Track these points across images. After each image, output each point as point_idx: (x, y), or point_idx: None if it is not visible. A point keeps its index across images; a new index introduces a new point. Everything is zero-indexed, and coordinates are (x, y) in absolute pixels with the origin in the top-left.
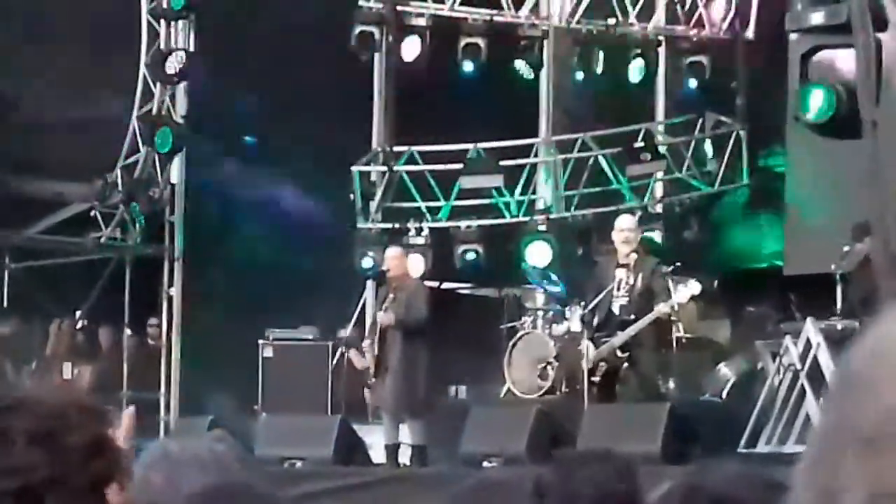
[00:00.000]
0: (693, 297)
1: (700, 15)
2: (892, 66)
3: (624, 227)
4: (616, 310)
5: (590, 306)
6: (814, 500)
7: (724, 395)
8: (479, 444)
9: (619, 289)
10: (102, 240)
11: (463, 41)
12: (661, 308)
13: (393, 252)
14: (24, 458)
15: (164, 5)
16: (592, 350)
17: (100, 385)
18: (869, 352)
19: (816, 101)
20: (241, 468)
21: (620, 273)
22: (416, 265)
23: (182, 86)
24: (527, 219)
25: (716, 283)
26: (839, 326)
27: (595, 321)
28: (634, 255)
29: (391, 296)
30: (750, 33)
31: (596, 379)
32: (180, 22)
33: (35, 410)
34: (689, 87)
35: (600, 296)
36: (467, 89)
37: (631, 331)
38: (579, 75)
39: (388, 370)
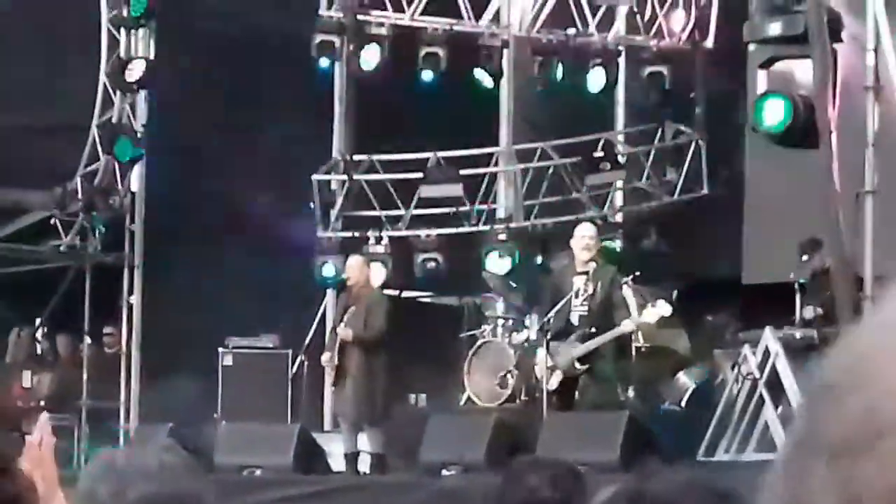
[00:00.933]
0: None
1: (660, 25)
2: (849, 77)
3: (584, 235)
4: (574, 319)
5: (548, 315)
6: None
7: (683, 403)
8: (438, 452)
9: (577, 297)
10: (62, 248)
11: (423, 50)
12: (625, 326)
13: (354, 261)
14: None
15: (125, 14)
16: (550, 360)
17: (59, 393)
18: (839, 362)
19: (772, 111)
20: (190, 478)
21: (579, 281)
22: (377, 274)
23: (142, 94)
24: (487, 228)
25: (675, 292)
26: (797, 335)
27: (554, 330)
28: (593, 264)
29: (352, 306)
30: (709, 43)
31: (554, 388)
32: (140, 30)
33: None
34: (649, 96)
35: (558, 305)
36: (427, 98)
37: (592, 345)
38: (539, 85)
39: (347, 379)
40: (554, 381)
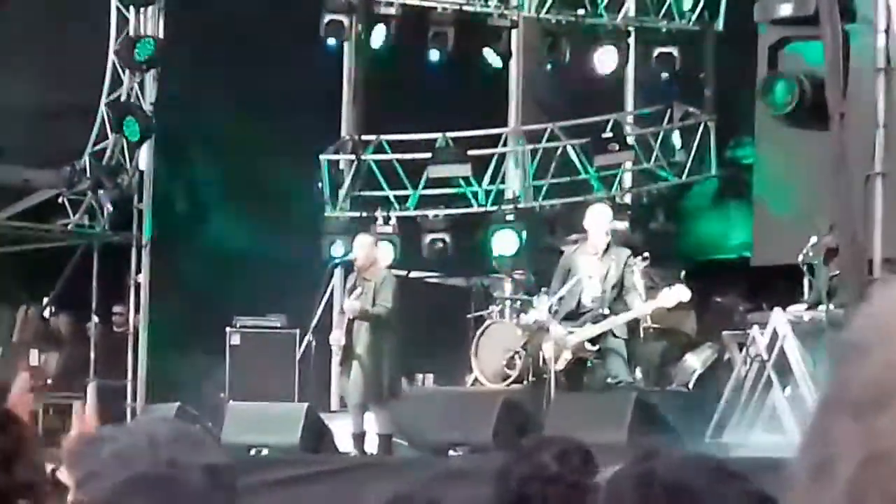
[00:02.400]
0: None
1: (669, 5)
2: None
3: (599, 218)
4: (587, 301)
5: (558, 296)
6: (808, 474)
7: (691, 384)
8: (445, 432)
9: (590, 279)
10: (70, 227)
11: (432, 30)
12: (641, 308)
13: (362, 241)
14: None
15: None
16: (564, 340)
17: (66, 372)
18: (863, 322)
19: (780, 92)
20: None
21: (592, 263)
22: (386, 254)
23: (151, 73)
24: (495, 208)
25: (683, 273)
26: (806, 317)
27: (564, 311)
28: (607, 246)
29: (359, 287)
30: (719, 24)
31: (563, 368)
32: (150, 9)
33: None
34: (658, 77)
35: (567, 285)
36: (436, 78)
37: (606, 325)
38: (548, 65)
39: (355, 359)
40: (562, 362)
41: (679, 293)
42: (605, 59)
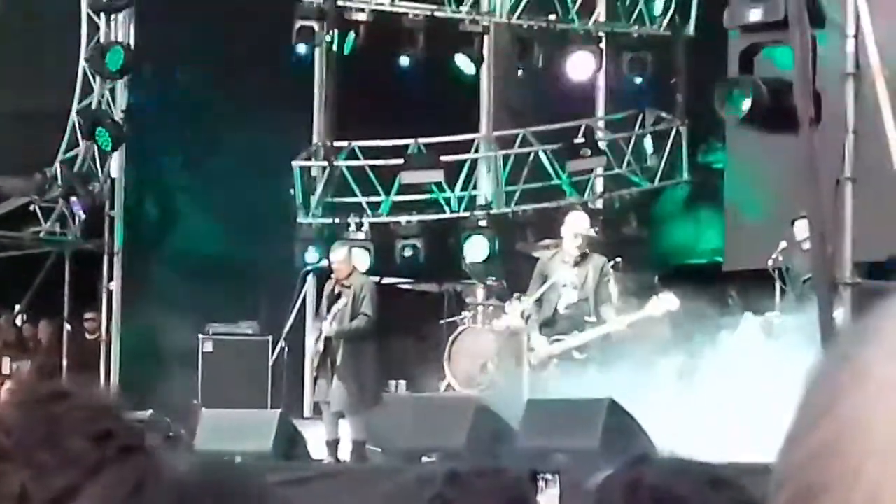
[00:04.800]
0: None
1: (641, 11)
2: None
3: (576, 225)
4: (563, 308)
5: (531, 300)
6: None
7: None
8: (418, 439)
9: (566, 287)
10: (42, 234)
11: (403, 36)
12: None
13: (339, 251)
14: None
15: None
16: (543, 346)
17: (38, 379)
18: (809, 393)
19: (736, 97)
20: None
21: (568, 270)
22: (360, 261)
23: (122, 80)
24: (467, 214)
25: (655, 278)
26: (776, 322)
27: (539, 318)
28: (584, 254)
29: (339, 297)
30: (690, 29)
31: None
32: (120, 16)
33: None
34: (630, 83)
35: (540, 290)
36: (407, 84)
37: (593, 333)
38: (520, 71)
39: (331, 366)
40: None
41: (668, 302)
42: (576, 65)
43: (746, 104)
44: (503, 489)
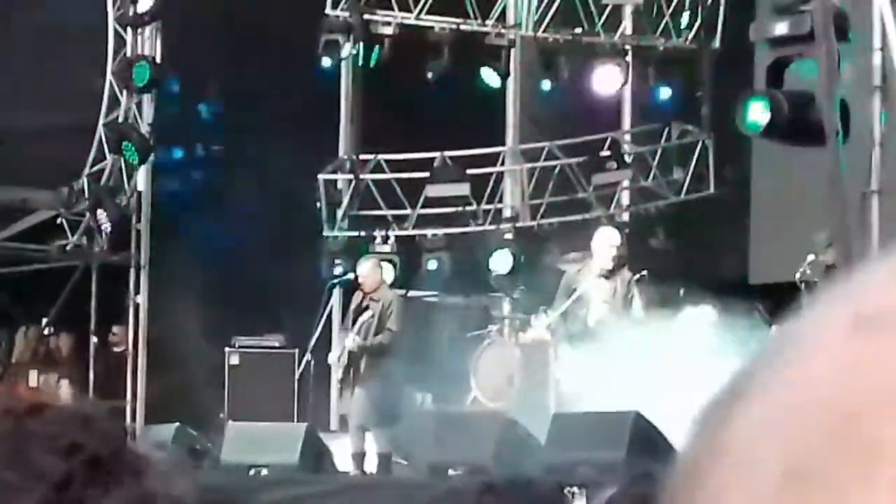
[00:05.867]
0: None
1: (667, 24)
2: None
3: (607, 240)
4: (592, 322)
5: (556, 314)
6: None
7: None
8: (444, 452)
9: (595, 301)
10: (68, 247)
11: (429, 50)
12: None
13: (367, 265)
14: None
15: (131, 13)
16: (570, 359)
17: (65, 393)
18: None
19: (753, 111)
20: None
21: (597, 285)
22: (387, 274)
23: (149, 94)
24: (493, 227)
25: (681, 291)
26: None
27: (566, 331)
28: (613, 269)
29: (365, 310)
30: (716, 43)
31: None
32: (147, 29)
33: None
34: (656, 96)
35: (567, 303)
36: (433, 98)
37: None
38: (546, 84)
39: (357, 379)
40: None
41: (706, 314)
42: (602, 78)
43: (765, 118)
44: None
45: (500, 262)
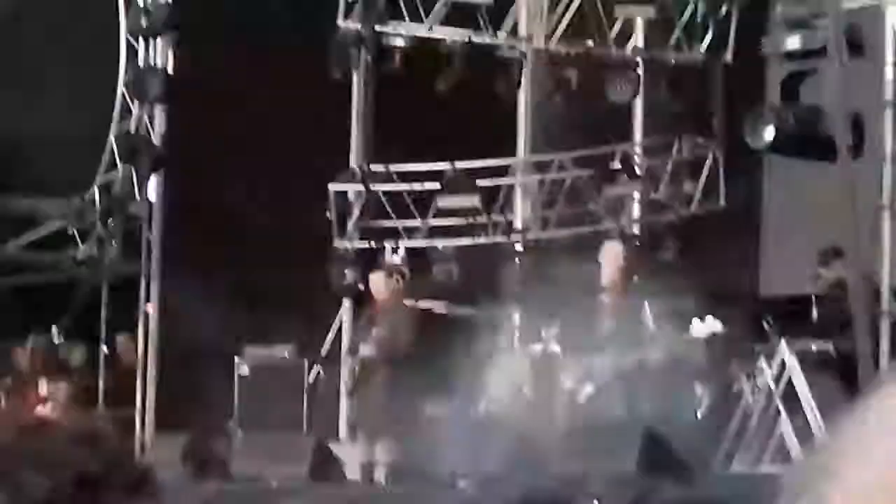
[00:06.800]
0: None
1: (679, 37)
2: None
3: (613, 254)
4: (602, 333)
5: (566, 327)
6: None
7: (700, 415)
8: (454, 462)
9: (602, 312)
10: (79, 257)
11: (441, 62)
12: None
13: (379, 277)
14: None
15: (143, 23)
16: (580, 371)
17: (75, 402)
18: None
19: (764, 126)
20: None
21: (606, 297)
22: (398, 285)
23: (160, 104)
24: (503, 239)
25: (691, 303)
26: (814, 348)
27: (579, 343)
28: (621, 280)
29: (377, 322)
30: (728, 56)
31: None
32: (159, 40)
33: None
34: (667, 108)
35: (576, 316)
36: (444, 109)
37: (632, 358)
38: (557, 96)
39: (367, 389)
40: (585, 393)
41: (712, 325)
42: (613, 90)
43: (769, 133)
44: None
45: (513, 273)
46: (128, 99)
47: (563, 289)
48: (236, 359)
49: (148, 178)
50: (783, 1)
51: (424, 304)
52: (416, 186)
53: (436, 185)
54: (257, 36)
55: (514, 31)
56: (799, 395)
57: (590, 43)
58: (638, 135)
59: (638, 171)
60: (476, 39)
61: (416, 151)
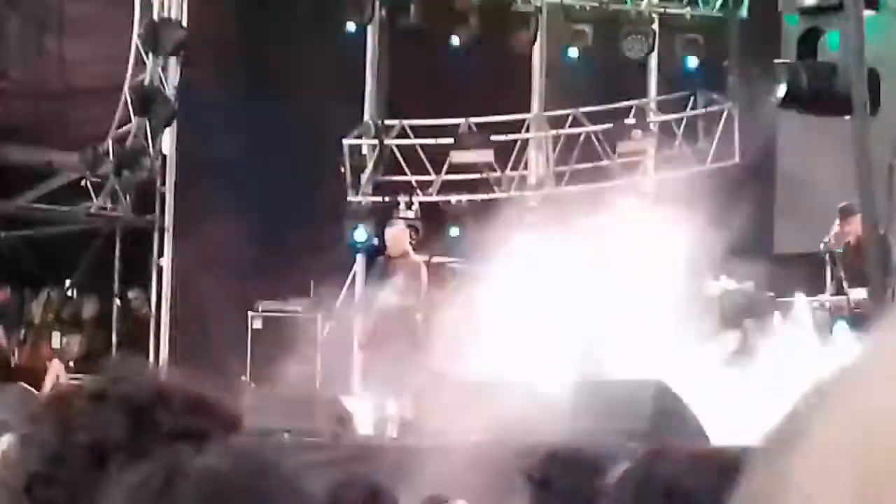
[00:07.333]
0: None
1: None
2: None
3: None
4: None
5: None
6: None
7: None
8: (467, 419)
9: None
10: (92, 209)
11: (456, 16)
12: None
13: (394, 232)
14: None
15: None
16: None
17: (88, 355)
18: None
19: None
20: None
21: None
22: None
23: (175, 56)
24: (517, 194)
25: (705, 260)
26: (828, 304)
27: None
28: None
29: (392, 276)
30: (744, 12)
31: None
32: None
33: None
34: (682, 64)
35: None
36: (459, 64)
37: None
38: (572, 51)
39: (380, 344)
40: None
41: (725, 282)
42: (629, 46)
43: (781, 89)
44: (591, 468)
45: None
46: (142, 51)
47: (576, 244)
48: (249, 313)
49: (161, 131)
50: None
51: (438, 258)
52: (431, 141)
53: (450, 141)
54: None
55: None
56: (813, 350)
57: None
58: (653, 90)
59: (653, 127)
60: None
61: (431, 106)
